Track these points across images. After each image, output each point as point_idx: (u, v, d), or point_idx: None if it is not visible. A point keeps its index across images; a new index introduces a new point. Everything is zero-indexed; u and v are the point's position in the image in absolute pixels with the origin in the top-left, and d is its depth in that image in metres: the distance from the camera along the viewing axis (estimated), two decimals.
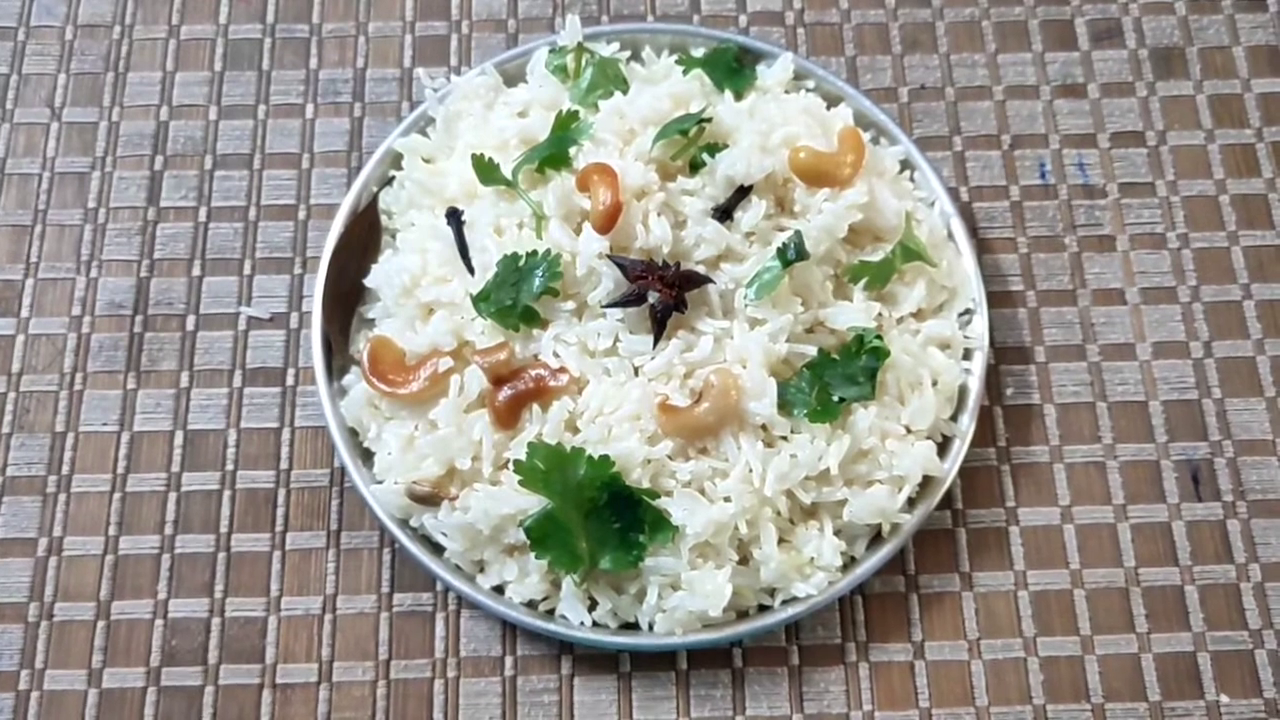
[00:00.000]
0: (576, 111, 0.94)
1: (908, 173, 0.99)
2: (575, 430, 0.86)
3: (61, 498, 0.94)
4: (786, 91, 1.01)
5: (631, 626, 0.87)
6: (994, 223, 1.03)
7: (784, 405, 0.86)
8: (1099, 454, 0.96)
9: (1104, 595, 0.91)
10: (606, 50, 1.01)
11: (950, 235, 0.97)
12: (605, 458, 0.83)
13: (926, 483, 0.89)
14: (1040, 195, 1.04)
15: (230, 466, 0.95)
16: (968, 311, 0.95)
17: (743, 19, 1.11)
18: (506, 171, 0.92)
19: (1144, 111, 1.07)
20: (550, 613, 0.88)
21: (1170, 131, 1.06)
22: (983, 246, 1.02)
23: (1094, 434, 0.96)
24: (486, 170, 0.92)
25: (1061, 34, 1.10)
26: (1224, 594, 0.91)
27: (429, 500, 0.87)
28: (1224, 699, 0.89)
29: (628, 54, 1.03)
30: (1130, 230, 1.03)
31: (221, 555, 0.93)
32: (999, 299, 1.00)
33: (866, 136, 0.96)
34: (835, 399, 0.86)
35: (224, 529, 0.93)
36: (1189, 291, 1.01)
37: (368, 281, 0.95)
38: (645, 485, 0.84)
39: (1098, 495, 0.94)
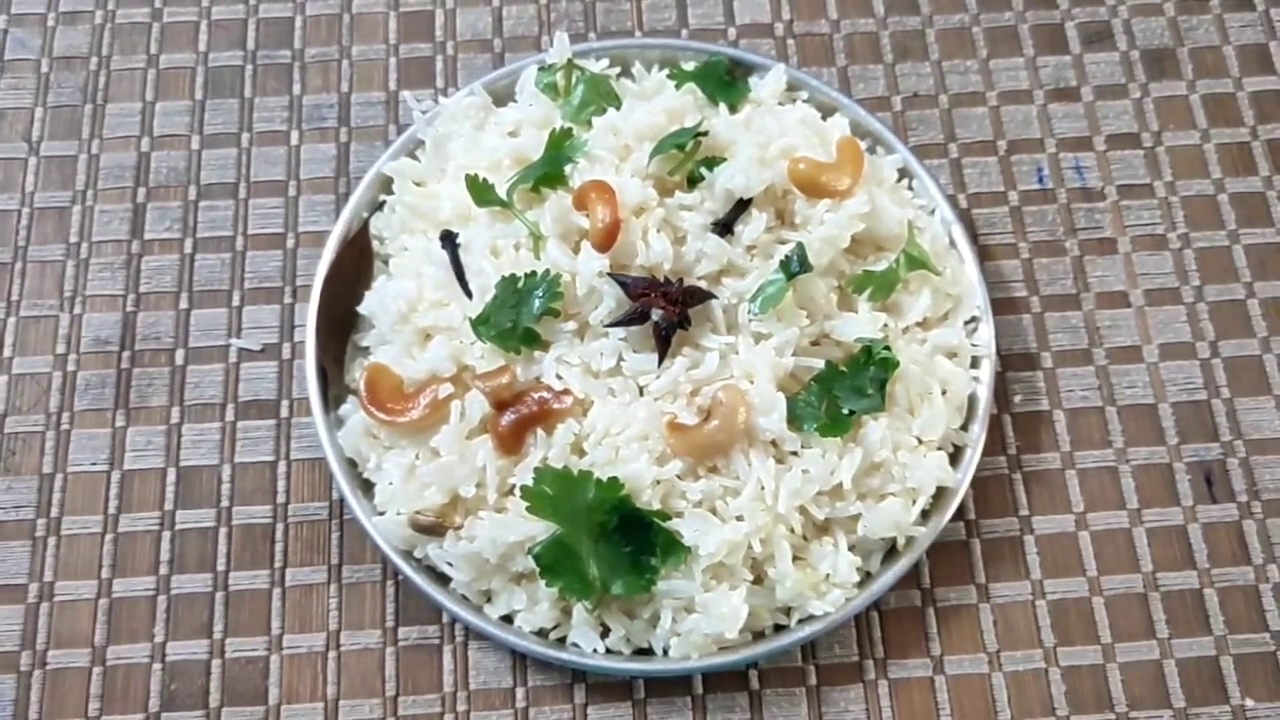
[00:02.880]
0: (570, 129, 0.92)
1: (906, 181, 0.98)
2: (582, 453, 0.84)
3: (51, 541, 0.92)
4: (780, 103, 0.99)
5: (645, 652, 0.85)
6: (994, 228, 1.02)
7: (794, 420, 0.84)
8: (1110, 458, 0.94)
9: (1123, 601, 0.90)
10: (596, 66, 1.00)
11: (952, 243, 0.96)
12: (614, 480, 0.81)
13: (939, 494, 0.88)
14: (1039, 200, 1.03)
15: (225, 502, 0.93)
16: (973, 319, 0.94)
17: (731, 31, 1.10)
18: (501, 192, 0.90)
19: (1138, 113, 1.06)
20: (561, 641, 0.86)
21: (1165, 132, 1.06)
22: (984, 253, 1.01)
23: (1105, 438, 0.95)
24: (481, 191, 0.90)
25: (1052, 38, 1.09)
26: (1243, 596, 0.90)
27: (433, 530, 0.85)
28: (1249, 702, 0.88)
29: (617, 70, 1.01)
30: (1131, 232, 1.02)
31: (220, 594, 0.90)
32: (1003, 305, 0.99)
33: (863, 146, 0.95)
34: (845, 412, 0.85)
35: (221, 567, 0.91)
36: (1193, 292, 1.00)
37: (361, 308, 0.93)
38: (656, 506, 0.82)
39: (1111, 500, 0.93)
